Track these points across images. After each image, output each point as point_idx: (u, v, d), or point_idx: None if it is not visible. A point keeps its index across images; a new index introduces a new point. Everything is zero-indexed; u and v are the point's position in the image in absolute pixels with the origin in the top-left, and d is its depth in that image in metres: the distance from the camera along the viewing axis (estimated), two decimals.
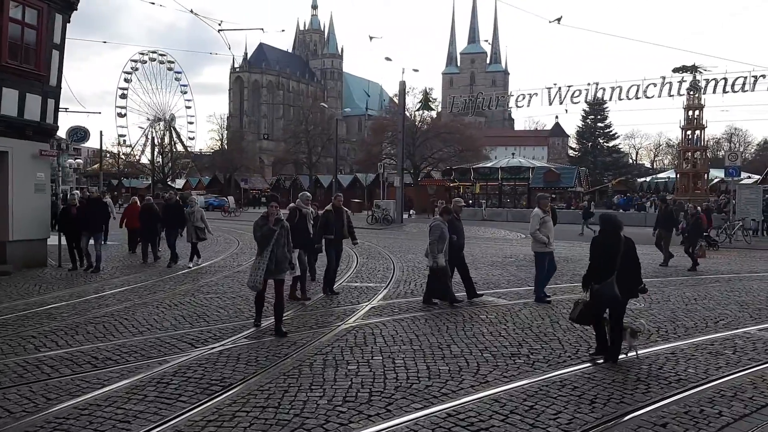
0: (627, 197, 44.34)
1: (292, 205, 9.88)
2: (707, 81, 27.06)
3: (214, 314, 8.48)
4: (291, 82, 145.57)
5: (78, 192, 16.85)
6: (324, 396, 5.11)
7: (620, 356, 6.25)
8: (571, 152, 79.66)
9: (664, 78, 26.47)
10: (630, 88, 27.02)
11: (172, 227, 13.94)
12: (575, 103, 27.90)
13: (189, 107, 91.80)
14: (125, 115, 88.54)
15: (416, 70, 38.74)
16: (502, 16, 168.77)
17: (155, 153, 70.18)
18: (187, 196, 18.84)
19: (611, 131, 70.78)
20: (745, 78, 25.48)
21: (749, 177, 59.47)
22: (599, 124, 69.83)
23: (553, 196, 40.82)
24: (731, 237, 22.04)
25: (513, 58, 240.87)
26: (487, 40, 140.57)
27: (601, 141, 69.93)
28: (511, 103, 30.88)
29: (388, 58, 31.73)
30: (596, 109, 66.47)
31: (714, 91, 26.41)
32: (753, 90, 25.34)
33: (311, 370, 5.83)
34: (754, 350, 6.83)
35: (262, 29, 22.13)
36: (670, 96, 26.14)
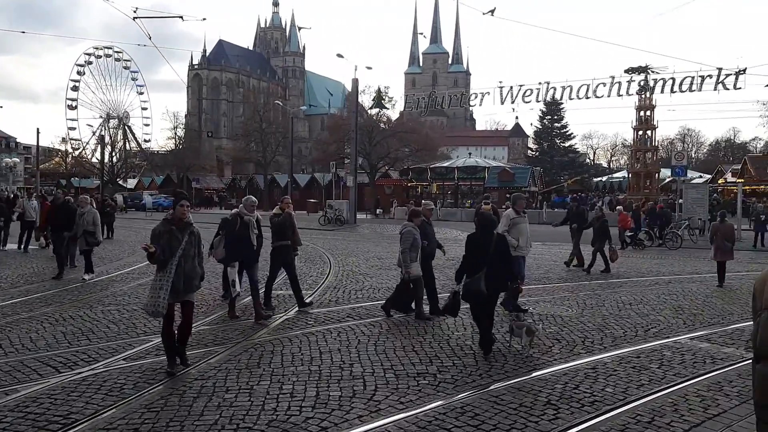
0: (581, 197, 44.62)
1: (234, 210, 8.71)
2: (655, 81, 27.19)
3: (103, 330, 7.58)
4: (252, 80, 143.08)
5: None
6: None
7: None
8: (529, 152, 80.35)
9: (613, 78, 26.51)
10: (580, 87, 26.95)
11: (58, 231, 12.30)
12: (526, 102, 27.66)
13: (145, 108, 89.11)
14: (76, 107, 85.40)
15: (369, 68, 38.35)
16: (464, 16, 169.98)
17: (104, 151, 67.43)
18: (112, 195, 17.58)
19: (567, 131, 71.67)
20: (692, 78, 25.67)
21: (701, 176, 61.12)
22: (556, 125, 70.58)
23: (508, 195, 40.86)
24: (678, 237, 22.01)
25: (475, 59, 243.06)
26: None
27: (557, 141, 70.69)
28: (464, 102, 30.51)
29: (339, 55, 31.01)
30: (553, 109, 67.16)
31: (662, 91, 26.57)
32: (700, 90, 25.52)
33: (180, 401, 5.04)
34: (682, 363, 6.35)
35: (182, 17, 20.65)
36: (620, 96, 26.18)
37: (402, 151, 44.56)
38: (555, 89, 27.46)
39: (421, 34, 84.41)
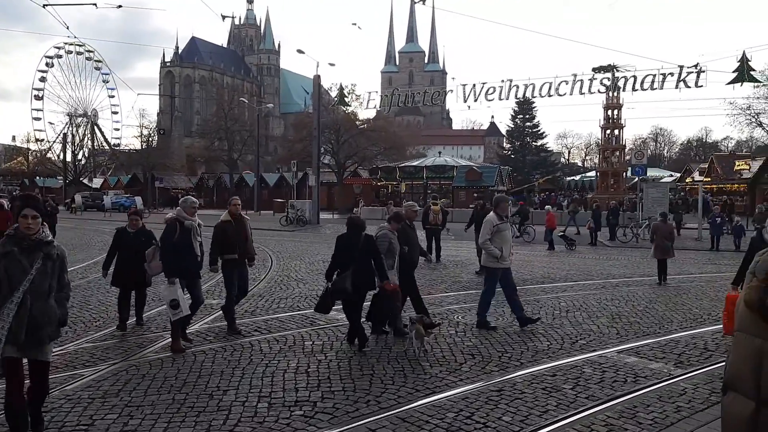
0: (550, 195, 44.43)
1: (170, 215, 7.27)
2: (617, 79, 26.93)
3: None
4: (225, 78, 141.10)
5: None
6: None
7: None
8: (501, 151, 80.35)
9: (575, 75, 26.15)
10: (543, 85, 26.55)
11: None
12: (489, 100, 27.25)
13: (116, 112, 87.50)
14: (42, 97, 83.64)
15: (332, 65, 37.40)
16: (440, 16, 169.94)
17: (67, 149, 65.52)
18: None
19: (539, 130, 71.67)
20: (654, 76, 25.44)
21: (671, 175, 61.70)
22: (527, 124, 70.53)
23: (476, 194, 40.40)
24: (637, 237, 21.75)
25: (452, 58, 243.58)
26: (355, 23, 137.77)
27: (529, 140, 70.64)
28: (426, 100, 30.02)
29: (300, 51, 30.11)
30: (524, 108, 67.09)
31: (624, 89, 26.29)
32: (661, 88, 25.31)
33: None
34: (600, 383, 5.73)
35: (95, 4, 19.43)
36: (582, 94, 25.83)
37: (370, 150, 43.88)
38: (518, 87, 27.05)
39: (354, 24, 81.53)
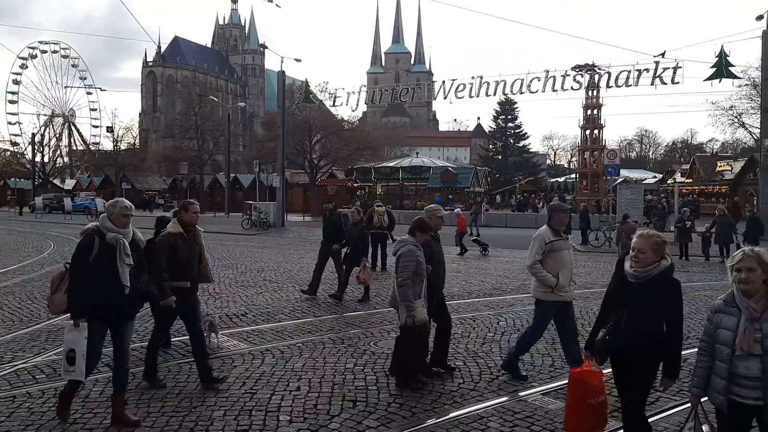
0: (529, 197, 43.32)
1: (91, 225, 4.76)
2: (591, 75, 25.84)
3: None
4: (209, 78, 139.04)
5: None
6: None
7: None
8: (483, 152, 79.42)
9: (547, 72, 24.98)
10: (515, 82, 25.40)
11: None
12: (459, 97, 26.04)
13: (96, 126, 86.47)
14: (19, 82, 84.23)
15: (298, 60, 35.12)
16: (426, 13, 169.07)
17: (36, 149, 63.61)
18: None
19: (522, 131, 70.72)
20: (629, 72, 24.33)
21: (655, 176, 61.01)
22: (510, 125, 69.54)
23: (450, 196, 39.23)
24: (610, 240, 20.55)
25: (439, 59, 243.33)
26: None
27: (511, 141, 69.63)
28: (395, 98, 28.88)
29: (263, 46, 28.53)
30: (506, 109, 66.17)
31: (598, 85, 25.17)
32: (636, 84, 24.21)
33: None
34: None
35: None
36: (554, 91, 24.67)
37: (344, 150, 42.52)
38: (488, 84, 25.84)
39: (271, 1, 77.90)
